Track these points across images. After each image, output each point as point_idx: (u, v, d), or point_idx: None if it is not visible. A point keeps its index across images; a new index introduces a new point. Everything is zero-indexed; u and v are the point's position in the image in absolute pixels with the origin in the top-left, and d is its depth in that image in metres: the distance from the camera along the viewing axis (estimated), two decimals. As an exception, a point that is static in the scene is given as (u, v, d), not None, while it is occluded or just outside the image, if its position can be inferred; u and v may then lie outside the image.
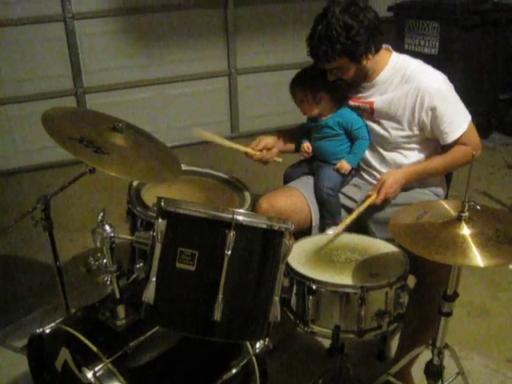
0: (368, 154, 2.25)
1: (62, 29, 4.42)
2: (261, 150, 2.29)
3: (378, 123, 2.18)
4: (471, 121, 2.14)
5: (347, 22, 1.98)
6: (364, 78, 2.15)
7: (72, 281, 2.55)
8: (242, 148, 2.28)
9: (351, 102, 2.23)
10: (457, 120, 2.10)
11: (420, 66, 2.15)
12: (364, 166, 2.28)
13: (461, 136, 2.11)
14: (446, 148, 2.16)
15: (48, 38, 4.41)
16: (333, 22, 1.98)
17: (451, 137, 2.11)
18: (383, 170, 2.22)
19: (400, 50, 2.21)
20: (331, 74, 2.13)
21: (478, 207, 1.62)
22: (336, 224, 2.22)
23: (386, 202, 2.14)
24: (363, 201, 2.14)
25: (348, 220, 2.07)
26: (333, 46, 1.99)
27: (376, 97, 2.16)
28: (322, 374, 2.10)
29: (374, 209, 2.18)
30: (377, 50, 2.09)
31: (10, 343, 2.51)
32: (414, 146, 2.19)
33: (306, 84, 2.21)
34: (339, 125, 2.23)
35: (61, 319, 1.76)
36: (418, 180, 2.19)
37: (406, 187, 2.18)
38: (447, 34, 4.60)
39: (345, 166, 2.22)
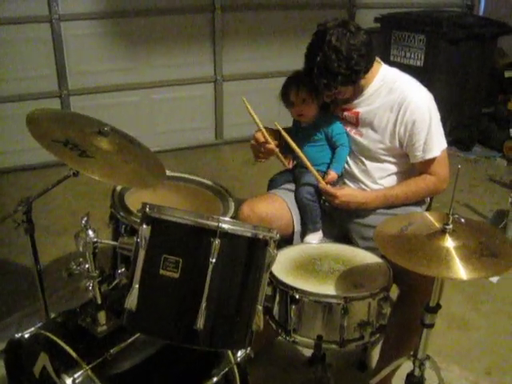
0: (351, 164, 2.25)
1: (48, 30, 4.36)
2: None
3: (361, 134, 2.19)
4: (445, 150, 2.15)
5: (346, 52, 1.97)
6: (358, 94, 2.15)
7: (52, 285, 2.51)
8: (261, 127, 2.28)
9: (337, 111, 2.24)
10: (431, 142, 2.10)
11: (408, 81, 2.16)
12: (347, 175, 2.28)
13: (432, 159, 2.11)
14: (417, 169, 2.17)
15: (33, 39, 4.35)
16: (331, 55, 1.97)
17: (423, 155, 2.11)
18: (365, 179, 2.23)
19: (386, 61, 2.22)
20: (328, 97, 2.15)
21: (463, 220, 1.63)
22: (317, 230, 2.23)
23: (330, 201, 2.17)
24: (321, 174, 2.18)
25: (287, 138, 2.16)
26: (334, 78, 2.00)
27: (362, 107, 2.17)
28: (302, 384, 2.10)
29: (356, 215, 2.21)
30: (371, 67, 2.10)
31: (-13, 347, 2.47)
32: (392, 159, 2.20)
33: (312, 84, 2.15)
34: (320, 130, 2.24)
35: (40, 324, 1.73)
36: (379, 205, 2.18)
37: None
38: (433, 46, 4.64)
39: (333, 175, 2.20)
